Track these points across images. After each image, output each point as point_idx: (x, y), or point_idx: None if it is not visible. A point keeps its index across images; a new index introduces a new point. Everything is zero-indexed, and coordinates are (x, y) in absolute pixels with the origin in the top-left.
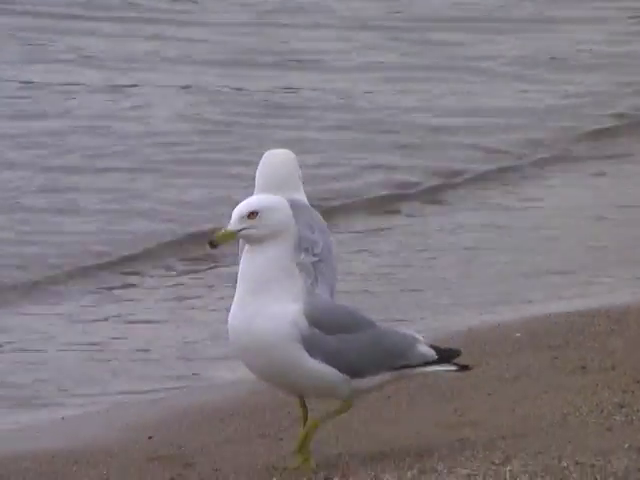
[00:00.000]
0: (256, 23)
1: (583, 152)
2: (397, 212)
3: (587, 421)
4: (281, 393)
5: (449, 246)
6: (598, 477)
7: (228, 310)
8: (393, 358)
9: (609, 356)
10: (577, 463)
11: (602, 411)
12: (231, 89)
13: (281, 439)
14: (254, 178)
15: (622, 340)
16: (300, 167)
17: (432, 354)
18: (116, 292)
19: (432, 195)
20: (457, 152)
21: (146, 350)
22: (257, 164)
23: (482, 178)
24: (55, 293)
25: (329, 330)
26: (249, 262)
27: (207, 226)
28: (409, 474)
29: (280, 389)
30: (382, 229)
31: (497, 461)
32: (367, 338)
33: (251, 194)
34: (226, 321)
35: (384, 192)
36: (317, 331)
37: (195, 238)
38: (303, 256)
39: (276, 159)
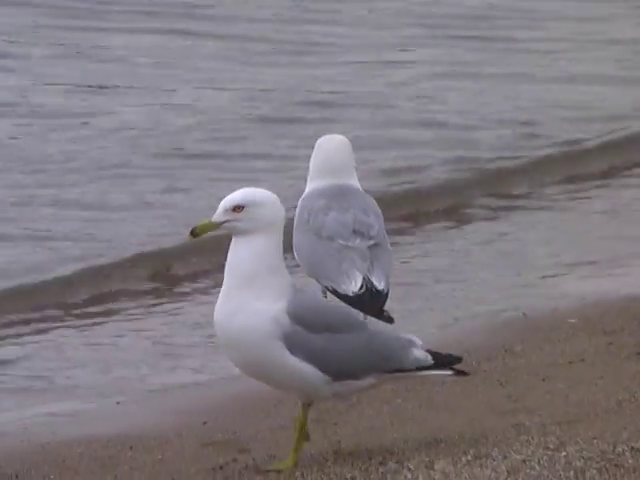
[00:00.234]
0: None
1: None
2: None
3: None
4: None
5: (499, 236)
6: None
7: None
8: (382, 361)
9: None
10: (633, 449)
11: None
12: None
13: (335, 424)
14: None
15: None
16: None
17: (428, 359)
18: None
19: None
20: None
21: (201, 336)
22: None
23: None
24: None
25: (314, 329)
26: (235, 255)
27: None
28: (464, 460)
29: (266, 385)
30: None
31: (552, 447)
32: (355, 340)
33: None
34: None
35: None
36: (300, 329)
37: None
38: (359, 241)
39: (331, 145)
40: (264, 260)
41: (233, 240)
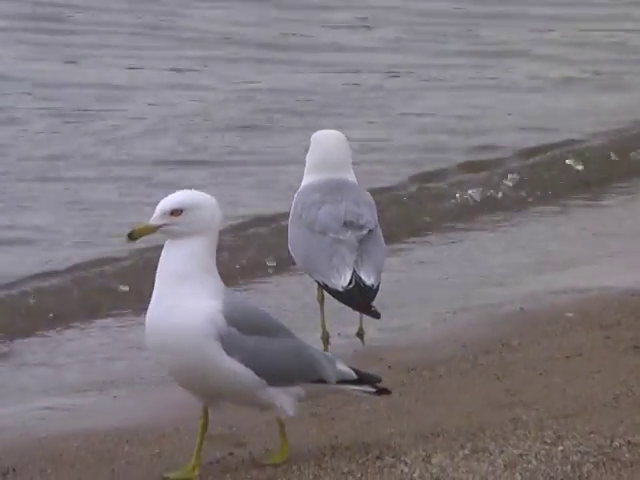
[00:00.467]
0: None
1: None
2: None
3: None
4: (198, 400)
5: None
6: None
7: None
8: (308, 370)
9: None
10: (629, 443)
11: None
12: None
13: (332, 418)
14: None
15: None
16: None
17: (351, 374)
18: None
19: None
20: None
21: None
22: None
23: None
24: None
25: (247, 331)
26: (168, 256)
27: None
28: (461, 454)
29: (196, 393)
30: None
31: (549, 441)
32: (285, 345)
33: None
34: None
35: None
36: (235, 330)
37: None
38: (349, 233)
39: (327, 140)
40: (199, 261)
41: (167, 242)
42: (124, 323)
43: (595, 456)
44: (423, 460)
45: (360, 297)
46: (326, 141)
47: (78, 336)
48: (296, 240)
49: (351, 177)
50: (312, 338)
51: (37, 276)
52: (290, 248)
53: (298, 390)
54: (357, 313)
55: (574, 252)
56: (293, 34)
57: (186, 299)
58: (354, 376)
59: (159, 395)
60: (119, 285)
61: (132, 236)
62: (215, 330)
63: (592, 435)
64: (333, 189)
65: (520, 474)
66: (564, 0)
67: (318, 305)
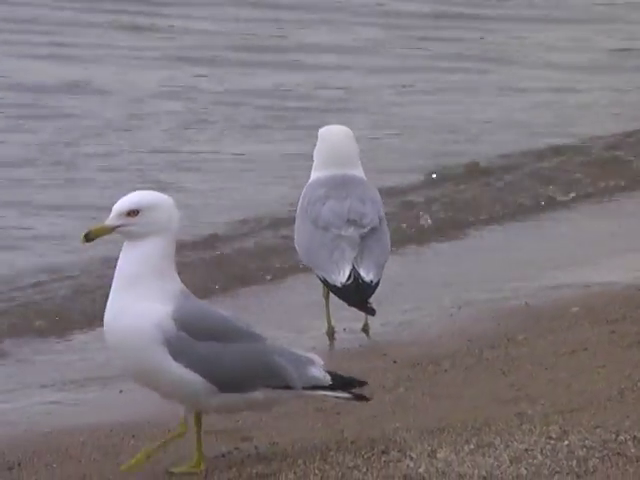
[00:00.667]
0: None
1: None
2: None
3: None
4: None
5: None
6: None
7: None
8: (270, 376)
9: None
10: (635, 438)
11: None
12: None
13: (338, 413)
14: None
15: None
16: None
17: (326, 379)
18: None
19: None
20: None
21: None
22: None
23: None
24: None
25: (200, 336)
26: (125, 257)
27: None
28: (466, 448)
29: (153, 391)
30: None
31: (554, 435)
32: (243, 351)
33: None
34: None
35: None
36: (185, 335)
37: None
38: (352, 229)
39: (336, 137)
40: (151, 263)
41: (125, 243)
42: None
43: (600, 451)
44: (429, 455)
45: (357, 293)
46: (333, 137)
47: (83, 330)
48: (300, 234)
49: (359, 172)
50: (317, 333)
51: (41, 270)
52: (295, 242)
53: (257, 396)
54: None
55: (579, 247)
56: (282, 36)
57: (137, 302)
58: (328, 382)
59: None
60: None
61: (88, 237)
62: (161, 334)
63: (598, 430)
64: (339, 185)
65: (525, 469)
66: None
67: (323, 301)
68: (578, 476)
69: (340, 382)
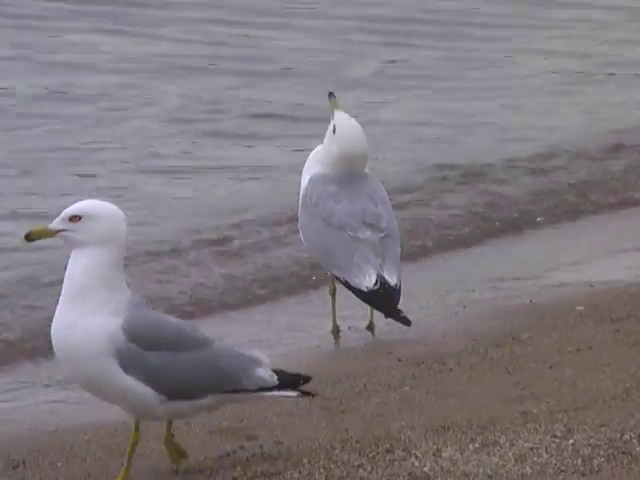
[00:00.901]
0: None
1: None
2: None
3: None
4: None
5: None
6: None
7: None
8: (220, 381)
9: None
10: None
11: None
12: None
13: (343, 412)
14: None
15: None
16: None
17: (273, 379)
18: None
19: None
20: None
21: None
22: None
23: None
24: None
25: (150, 347)
26: (72, 267)
27: None
28: (471, 447)
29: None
30: None
31: (559, 434)
32: (193, 358)
33: None
34: None
35: None
36: (135, 347)
37: None
38: (369, 232)
39: (350, 133)
40: (99, 274)
41: (73, 251)
42: None
43: (606, 449)
44: (433, 453)
45: (386, 299)
46: (352, 142)
47: None
48: (308, 229)
49: (365, 169)
50: (322, 332)
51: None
52: (301, 234)
53: (207, 402)
54: (367, 306)
55: (585, 246)
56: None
57: (85, 314)
58: (275, 382)
59: None
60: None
61: (29, 237)
62: (112, 346)
63: (603, 428)
64: (349, 183)
65: (530, 467)
66: None
67: (329, 298)
68: (583, 475)
69: (287, 380)
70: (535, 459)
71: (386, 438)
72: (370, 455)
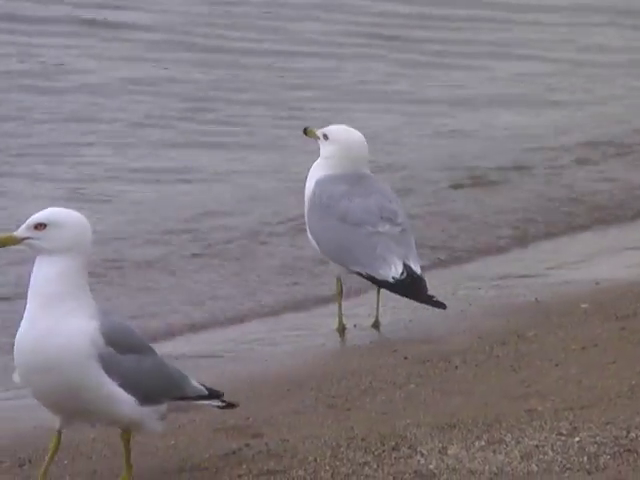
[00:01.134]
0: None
1: None
2: None
3: None
4: (59, 419)
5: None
6: None
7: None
8: (175, 387)
9: None
10: None
11: None
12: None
13: (348, 409)
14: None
15: None
16: None
17: (203, 389)
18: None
19: None
20: None
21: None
22: None
23: None
24: None
25: (123, 350)
26: (39, 276)
27: None
28: (477, 445)
29: (63, 413)
30: None
31: (565, 432)
32: (153, 363)
33: None
34: None
35: None
36: (112, 350)
37: None
38: (388, 226)
39: (352, 137)
40: (71, 280)
41: (37, 259)
42: None
43: (611, 447)
44: (439, 451)
45: (415, 287)
46: (349, 137)
47: None
48: (322, 230)
49: (368, 171)
50: (328, 330)
51: None
52: (312, 237)
53: (164, 408)
54: (374, 304)
55: (589, 243)
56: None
57: (62, 320)
58: (205, 391)
59: None
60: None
61: None
62: (95, 350)
63: (608, 426)
64: (357, 182)
65: (536, 465)
66: None
67: (337, 297)
68: (589, 472)
69: (210, 391)
70: (541, 457)
71: (392, 436)
72: (376, 453)
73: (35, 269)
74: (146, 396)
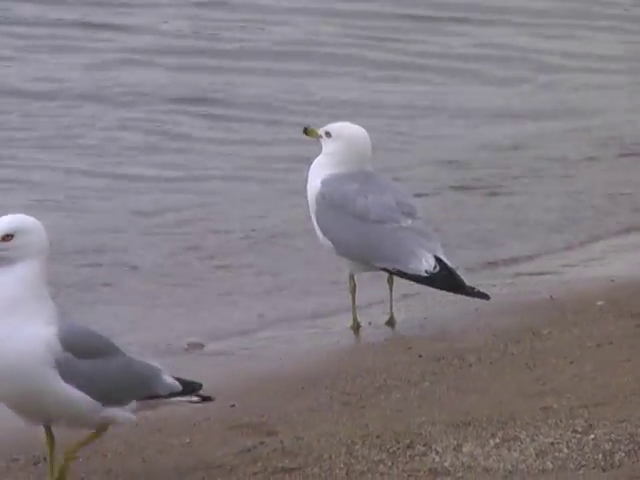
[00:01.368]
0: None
1: None
2: None
3: None
4: (28, 422)
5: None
6: None
7: None
8: (143, 387)
9: None
10: None
11: None
12: None
13: (363, 407)
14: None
15: None
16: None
17: (177, 386)
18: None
19: None
20: None
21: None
22: None
23: None
24: None
25: (83, 355)
26: None
27: None
28: (492, 442)
29: (27, 417)
30: None
31: (580, 429)
32: (118, 365)
33: None
34: None
35: None
36: (71, 355)
37: None
38: (410, 221)
39: (358, 135)
40: (31, 285)
41: None
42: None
43: (626, 444)
44: (454, 449)
45: (451, 279)
46: (353, 133)
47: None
48: (339, 230)
49: (372, 169)
50: (342, 328)
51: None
52: (326, 237)
53: (132, 407)
54: (388, 302)
55: (604, 239)
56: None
57: (20, 326)
58: (179, 387)
59: None
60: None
61: None
62: (52, 357)
63: (623, 423)
64: (367, 179)
65: (551, 462)
66: None
67: (350, 295)
68: (604, 470)
69: (186, 386)
70: (556, 454)
71: (406, 433)
72: (391, 450)
73: None
74: (110, 399)
